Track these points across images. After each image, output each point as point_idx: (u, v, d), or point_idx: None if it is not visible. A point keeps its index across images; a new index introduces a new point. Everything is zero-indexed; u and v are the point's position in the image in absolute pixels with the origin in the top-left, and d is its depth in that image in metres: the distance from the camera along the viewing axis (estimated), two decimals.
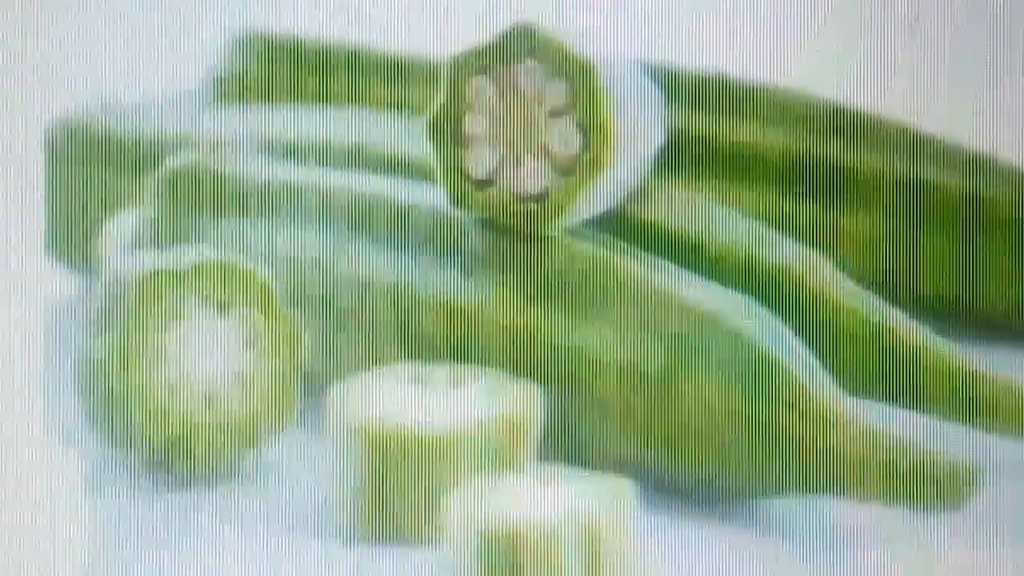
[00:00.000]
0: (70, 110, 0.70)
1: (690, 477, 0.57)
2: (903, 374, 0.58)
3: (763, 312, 0.58)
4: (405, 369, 0.57)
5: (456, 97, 0.58)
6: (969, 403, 0.58)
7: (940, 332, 0.59)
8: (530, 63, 0.57)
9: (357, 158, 0.64)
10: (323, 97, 0.69)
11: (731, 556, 0.55)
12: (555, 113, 0.58)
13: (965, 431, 0.58)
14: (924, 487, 0.54)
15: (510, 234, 0.59)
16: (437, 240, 0.59)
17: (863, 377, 0.59)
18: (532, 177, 0.58)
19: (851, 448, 0.55)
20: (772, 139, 0.66)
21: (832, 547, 0.55)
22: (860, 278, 0.61)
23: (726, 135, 0.66)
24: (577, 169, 0.57)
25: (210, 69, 0.71)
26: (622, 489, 0.53)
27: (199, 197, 0.62)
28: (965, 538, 0.55)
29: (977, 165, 0.66)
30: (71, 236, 0.69)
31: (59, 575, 0.54)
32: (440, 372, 0.57)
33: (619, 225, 0.60)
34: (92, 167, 0.68)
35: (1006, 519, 0.56)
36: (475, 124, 0.58)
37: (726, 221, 0.61)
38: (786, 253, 0.60)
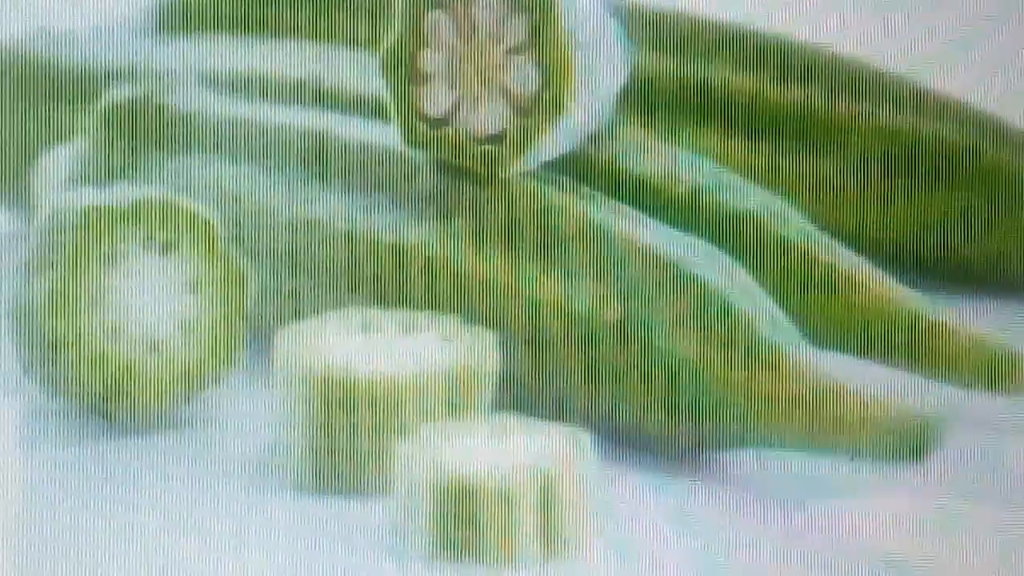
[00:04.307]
0: (3, 38, 0.68)
1: (649, 428, 0.56)
2: (869, 326, 0.58)
3: (726, 260, 0.57)
4: (355, 314, 0.57)
5: (411, 32, 0.57)
6: (936, 356, 0.58)
7: (908, 283, 0.59)
8: None
9: (307, 94, 0.63)
10: (272, 29, 0.68)
11: (690, 508, 0.54)
12: (514, 51, 0.57)
13: (931, 384, 0.58)
14: (888, 440, 0.54)
15: (465, 176, 0.58)
16: (390, 181, 0.59)
17: (828, 328, 0.59)
18: (489, 117, 0.57)
19: (814, 400, 0.55)
20: (740, 82, 0.65)
21: (793, 499, 0.55)
22: (828, 226, 0.61)
23: (692, 77, 0.65)
24: (535, 110, 0.57)
25: None
26: (579, 440, 0.52)
27: (141, 132, 0.61)
28: (928, 492, 0.55)
29: (951, 111, 0.66)
30: (4, 171, 0.68)
31: None
32: (392, 318, 0.57)
33: (579, 169, 0.60)
34: (27, 98, 0.67)
35: (969, 473, 0.56)
36: (430, 61, 0.57)
37: (690, 166, 0.60)
38: (751, 199, 0.59)
